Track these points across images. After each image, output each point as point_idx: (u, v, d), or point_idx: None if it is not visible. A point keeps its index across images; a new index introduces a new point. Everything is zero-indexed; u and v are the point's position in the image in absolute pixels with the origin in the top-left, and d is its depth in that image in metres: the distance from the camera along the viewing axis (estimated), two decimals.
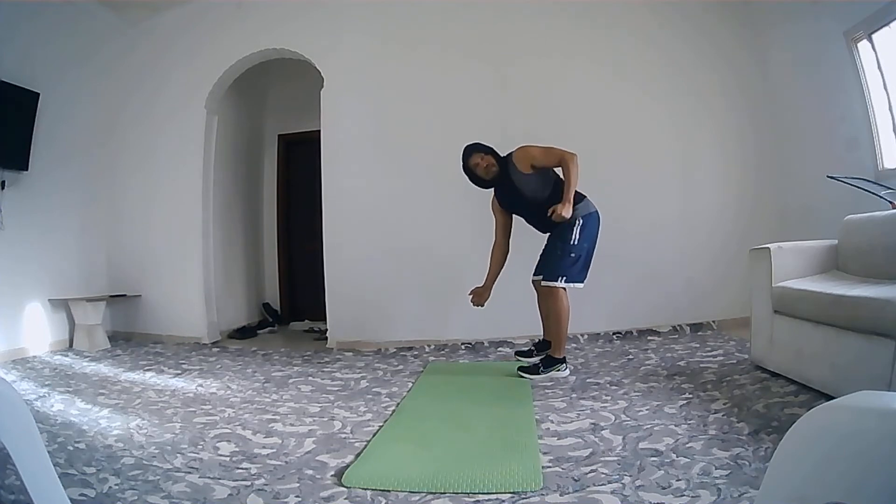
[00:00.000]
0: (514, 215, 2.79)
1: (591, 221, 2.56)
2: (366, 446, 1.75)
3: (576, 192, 2.61)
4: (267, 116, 5.18)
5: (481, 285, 2.78)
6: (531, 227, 2.76)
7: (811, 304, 2.04)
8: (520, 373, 2.58)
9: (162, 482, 1.50)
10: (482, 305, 2.78)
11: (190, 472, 1.57)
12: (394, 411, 2.15)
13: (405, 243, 3.68)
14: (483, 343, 3.46)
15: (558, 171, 2.59)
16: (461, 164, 2.66)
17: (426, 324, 3.61)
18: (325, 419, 2.07)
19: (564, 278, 2.51)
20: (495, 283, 2.78)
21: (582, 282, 2.58)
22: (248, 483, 1.49)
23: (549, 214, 2.43)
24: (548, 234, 2.68)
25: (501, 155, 2.64)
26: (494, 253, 2.78)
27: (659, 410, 1.94)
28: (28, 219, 3.58)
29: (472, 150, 2.64)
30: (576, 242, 2.50)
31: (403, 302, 3.67)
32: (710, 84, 3.72)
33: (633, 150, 3.65)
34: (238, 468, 1.60)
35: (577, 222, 2.51)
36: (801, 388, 2.07)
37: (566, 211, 2.39)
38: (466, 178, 2.69)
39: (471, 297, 2.79)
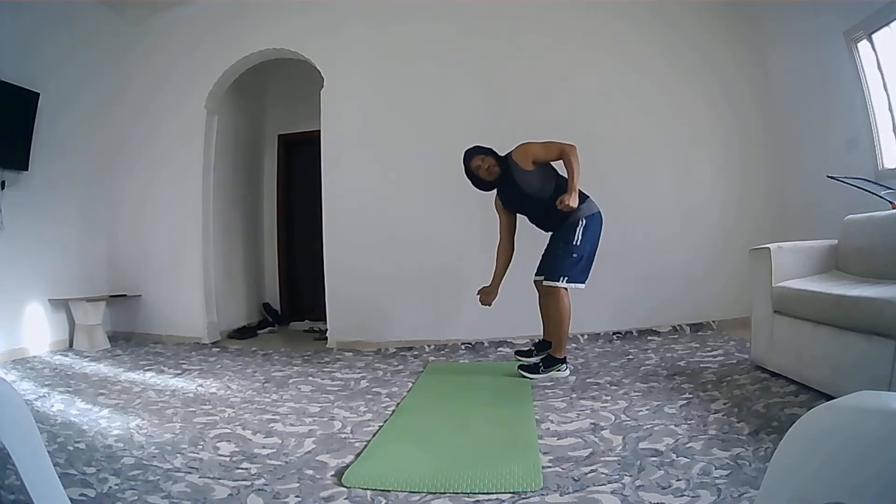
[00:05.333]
0: (517, 215, 2.79)
1: (594, 222, 2.56)
2: (366, 446, 1.75)
3: (580, 192, 2.62)
4: (267, 116, 5.18)
5: (488, 285, 2.77)
6: (533, 226, 2.76)
7: (811, 305, 2.04)
8: (520, 372, 2.58)
9: (162, 482, 1.50)
10: (489, 304, 2.77)
11: (190, 472, 1.57)
12: (394, 411, 2.15)
13: (405, 243, 3.68)
14: (483, 343, 3.46)
15: (558, 167, 2.59)
16: (463, 168, 2.66)
17: (426, 324, 3.60)
18: (325, 419, 2.07)
19: (566, 278, 2.51)
20: (501, 282, 2.77)
21: (583, 282, 2.58)
22: (248, 483, 1.49)
23: (556, 204, 2.41)
24: (550, 233, 2.68)
25: (501, 154, 2.64)
26: (500, 253, 2.78)
27: (659, 410, 1.94)
28: (28, 219, 3.58)
29: (472, 154, 2.63)
30: (578, 243, 2.50)
31: (403, 302, 3.67)
32: (711, 83, 3.72)
33: (633, 149, 3.64)
34: (238, 468, 1.60)
35: (581, 223, 2.51)
36: (801, 388, 2.06)
37: (573, 200, 2.38)
38: (469, 181, 2.69)
39: (478, 296, 2.78)
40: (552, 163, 2.60)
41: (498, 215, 2.79)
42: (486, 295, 2.76)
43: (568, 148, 2.47)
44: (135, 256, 4.23)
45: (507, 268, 2.78)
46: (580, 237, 2.50)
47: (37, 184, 3.62)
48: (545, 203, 2.56)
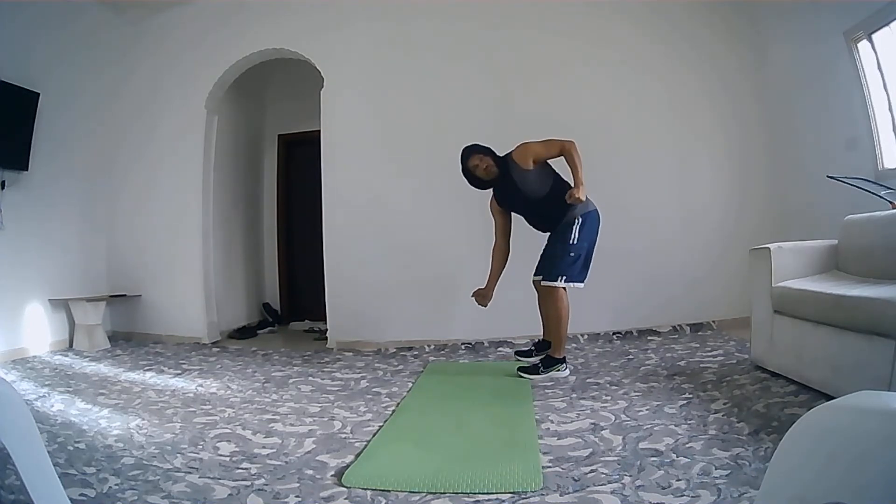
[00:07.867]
0: (513, 215, 2.78)
1: (591, 220, 2.55)
2: (366, 446, 1.75)
3: None
4: (267, 116, 5.18)
5: (483, 287, 2.76)
6: (531, 227, 2.75)
7: (811, 305, 2.04)
8: (520, 373, 2.58)
9: (162, 482, 1.50)
10: (485, 306, 2.76)
11: (190, 472, 1.57)
12: (394, 411, 2.15)
13: (405, 243, 3.68)
14: (483, 343, 3.46)
15: (554, 164, 2.59)
16: (460, 166, 2.65)
17: (426, 324, 3.60)
18: (325, 419, 2.07)
19: (564, 278, 2.51)
20: (497, 283, 2.77)
21: (582, 281, 2.58)
22: (248, 483, 1.49)
23: (566, 197, 2.43)
24: (548, 233, 2.68)
25: (500, 154, 2.63)
26: (495, 254, 2.77)
27: (659, 410, 1.94)
28: (28, 219, 3.57)
29: (470, 152, 2.63)
30: (575, 241, 2.50)
31: (403, 302, 3.67)
32: (711, 83, 3.72)
33: (633, 148, 3.64)
34: (238, 468, 1.60)
35: (577, 221, 2.51)
36: (801, 388, 2.07)
37: (581, 193, 2.40)
38: (465, 180, 2.69)
39: (474, 298, 2.77)
40: (552, 161, 2.60)
41: (493, 217, 2.79)
42: (482, 297, 2.75)
43: (568, 144, 2.49)
44: (135, 256, 4.23)
45: (502, 269, 2.77)
46: (577, 235, 2.50)
47: (37, 184, 3.62)
48: (542, 203, 2.58)
